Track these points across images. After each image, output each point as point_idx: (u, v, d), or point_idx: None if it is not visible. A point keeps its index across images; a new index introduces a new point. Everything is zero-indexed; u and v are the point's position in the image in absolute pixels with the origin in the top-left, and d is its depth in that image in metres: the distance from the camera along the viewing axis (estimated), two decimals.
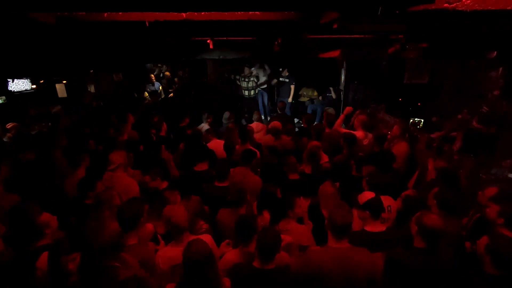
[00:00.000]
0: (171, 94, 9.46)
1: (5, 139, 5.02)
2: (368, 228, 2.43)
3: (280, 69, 8.63)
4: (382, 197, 2.61)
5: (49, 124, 5.95)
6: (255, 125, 5.43)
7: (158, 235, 2.59)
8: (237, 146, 4.32)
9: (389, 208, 2.86)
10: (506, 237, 2.27)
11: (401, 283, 2.13)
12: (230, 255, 2.33)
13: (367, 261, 2.07)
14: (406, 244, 2.26)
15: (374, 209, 2.43)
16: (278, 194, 2.83)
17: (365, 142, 4.61)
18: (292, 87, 8.29)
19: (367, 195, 2.51)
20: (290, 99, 8.35)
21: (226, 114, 5.67)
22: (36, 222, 2.24)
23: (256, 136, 5.04)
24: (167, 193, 2.85)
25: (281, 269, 2.12)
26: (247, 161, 3.59)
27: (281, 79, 8.38)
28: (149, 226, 2.60)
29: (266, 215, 2.78)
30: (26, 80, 7.18)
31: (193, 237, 2.25)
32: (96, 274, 1.83)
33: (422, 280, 2.09)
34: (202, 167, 3.63)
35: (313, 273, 2.03)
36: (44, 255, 2.03)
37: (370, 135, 4.62)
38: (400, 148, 4.17)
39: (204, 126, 5.39)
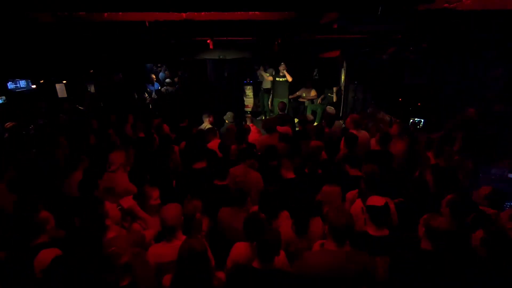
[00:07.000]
0: (174, 87, 9.43)
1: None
2: (370, 231, 2.39)
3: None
4: (381, 198, 2.53)
5: (47, 123, 5.94)
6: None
7: None
8: (233, 146, 4.32)
9: None
10: (502, 228, 2.28)
11: (407, 285, 2.11)
12: (240, 246, 2.34)
13: (365, 265, 2.03)
14: (410, 248, 2.23)
15: (376, 216, 2.38)
16: None
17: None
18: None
19: (375, 199, 2.44)
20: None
21: (230, 114, 5.67)
22: (37, 216, 2.28)
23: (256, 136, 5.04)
24: (148, 188, 2.84)
25: (281, 270, 2.11)
26: (245, 158, 3.59)
27: (277, 78, 8.15)
28: (135, 226, 2.63)
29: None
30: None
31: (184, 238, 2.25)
32: None
33: (429, 282, 2.06)
34: (200, 165, 3.61)
35: (310, 277, 2.01)
36: (42, 253, 2.04)
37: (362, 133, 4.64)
38: (397, 148, 4.18)
39: (205, 126, 5.39)
